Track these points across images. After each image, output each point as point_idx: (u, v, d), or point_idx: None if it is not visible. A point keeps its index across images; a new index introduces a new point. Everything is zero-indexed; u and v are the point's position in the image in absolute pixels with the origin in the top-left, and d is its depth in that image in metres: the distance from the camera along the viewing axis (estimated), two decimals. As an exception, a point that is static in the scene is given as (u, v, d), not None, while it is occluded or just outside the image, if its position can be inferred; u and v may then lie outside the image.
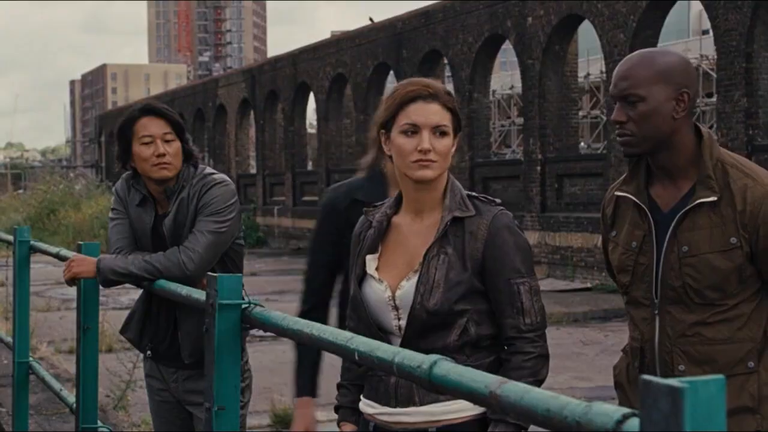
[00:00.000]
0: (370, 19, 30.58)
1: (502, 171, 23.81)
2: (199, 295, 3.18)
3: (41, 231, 33.89)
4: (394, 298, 3.02)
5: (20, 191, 64.62)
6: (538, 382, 2.91)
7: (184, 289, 3.40)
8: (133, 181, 4.31)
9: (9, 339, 6.70)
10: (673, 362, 3.02)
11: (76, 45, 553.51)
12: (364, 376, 3.14)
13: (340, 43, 31.10)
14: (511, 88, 39.30)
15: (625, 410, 1.40)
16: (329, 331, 2.27)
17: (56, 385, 5.41)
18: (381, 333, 3.00)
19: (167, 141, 4.15)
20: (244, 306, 2.73)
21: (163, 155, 4.12)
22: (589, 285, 19.44)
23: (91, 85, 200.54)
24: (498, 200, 3.09)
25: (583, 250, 19.91)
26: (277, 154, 36.21)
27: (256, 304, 2.73)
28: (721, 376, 1.21)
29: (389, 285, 3.04)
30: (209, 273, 2.80)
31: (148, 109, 4.22)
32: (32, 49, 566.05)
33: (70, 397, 5.02)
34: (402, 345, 2.92)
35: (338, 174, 30.75)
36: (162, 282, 3.86)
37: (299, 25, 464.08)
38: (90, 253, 4.30)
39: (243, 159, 39.72)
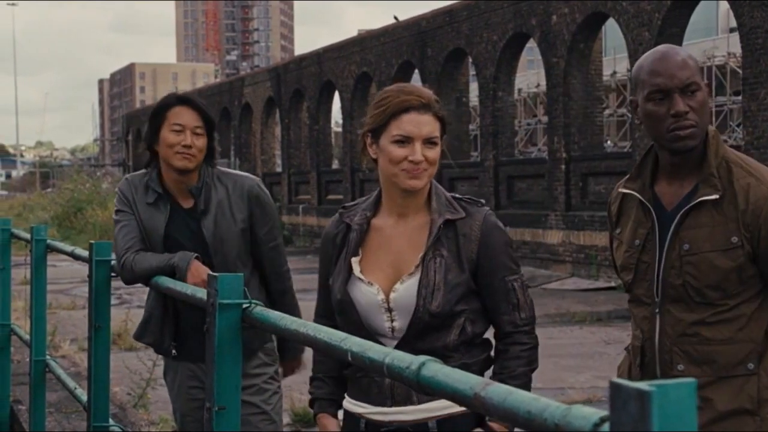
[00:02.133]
0: (395, 18, 30.56)
1: (527, 170, 23.75)
2: (202, 294, 3.19)
3: (68, 230, 34.12)
4: (387, 300, 3.04)
5: (49, 190, 65.09)
6: (533, 371, 3.05)
7: (188, 289, 3.40)
8: (147, 179, 4.31)
9: (28, 337, 6.73)
10: (673, 362, 3.00)
11: (106, 44, 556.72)
12: (340, 370, 3.19)
13: (364, 41, 31.11)
14: (538, 86, 39.24)
15: (603, 413, 1.39)
16: (324, 331, 2.27)
17: (71, 383, 5.43)
18: (371, 335, 3.02)
19: (196, 134, 4.20)
20: (244, 306, 2.73)
21: (190, 147, 4.17)
22: (613, 284, 19.35)
23: (119, 84, 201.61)
24: (482, 201, 3.15)
25: (607, 248, 19.65)
26: (302, 152, 36.27)
27: (256, 304, 2.73)
28: (692, 380, 1.20)
29: (381, 288, 3.05)
30: (210, 273, 2.80)
31: (185, 99, 4.30)
32: (62, 48, 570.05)
33: (84, 395, 5.04)
34: (399, 346, 2.96)
35: (363, 173, 30.77)
36: (166, 280, 3.86)
37: (327, 25, 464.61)
38: (101, 252, 4.31)
39: (269, 158, 39.81)
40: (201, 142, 4.21)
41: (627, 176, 3.18)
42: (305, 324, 2.40)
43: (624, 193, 3.16)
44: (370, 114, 3.07)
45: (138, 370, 9.14)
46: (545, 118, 31.48)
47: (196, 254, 4.11)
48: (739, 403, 2.93)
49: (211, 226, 4.22)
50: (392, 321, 3.04)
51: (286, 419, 8.87)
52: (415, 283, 3.00)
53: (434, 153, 3.02)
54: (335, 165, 37.27)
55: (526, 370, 3.00)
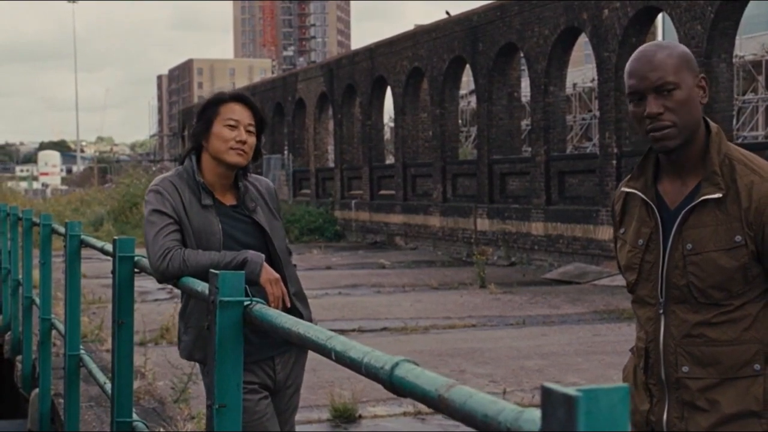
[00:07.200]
0: (447, 13, 30.48)
1: (578, 165, 23.56)
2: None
3: (123, 224, 34.49)
4: None
5: (106, 185, 65.90)
6: None
7: (199, 285, 3.41)
8: (190, 179, 4.20)
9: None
10: (677, 363, 2.93)
11: (165, 41, 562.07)
12: None
13: (416, 36, 31.06)
14: (592, 80, 38.96)
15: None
16: (312, 330, 2.28)
17: (101, 377, 5.48)
18: None
19: (249, 132, 4.22)
20: (246, 303, 2.73)
21: (244, 142, 4.18)
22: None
23: (177, 80, 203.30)
24: None
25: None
26: (354, 148, 36.31)
27: (257, 302, 2.73)
28: (624, 386, 1.17)
29: None
30: (212, 270, 2.81)
31: (240, 97, 4.31)
32: (123, 45, 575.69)
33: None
34: None
35: (415, 168, 30.77)
36: (186, 279, 3.86)
37: (384, 21, 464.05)
38: (124, 248, 4.33)
39: (321, 153, 39.89)
40: (252, 140, 4.23)
41: (629, 175, 3.13)
42: (298, 322, 2.41)
43: (627, 192, 3.11)
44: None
45: (180, 365, 9.19)
46: (599, 113, 31.22)
47: (263, 255, 4.07)
48: (745, 405, 2.86)
49: (263, 220, 4.23)
50: None
51: (326, 414, 8.89)
52: None
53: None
54: (388, 160, 37.27)
55: None
